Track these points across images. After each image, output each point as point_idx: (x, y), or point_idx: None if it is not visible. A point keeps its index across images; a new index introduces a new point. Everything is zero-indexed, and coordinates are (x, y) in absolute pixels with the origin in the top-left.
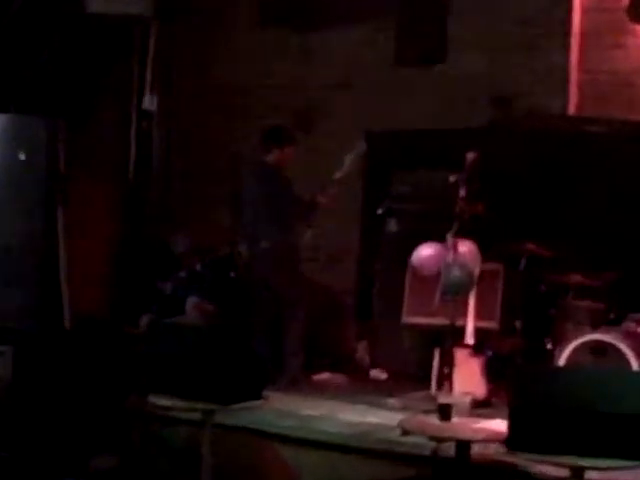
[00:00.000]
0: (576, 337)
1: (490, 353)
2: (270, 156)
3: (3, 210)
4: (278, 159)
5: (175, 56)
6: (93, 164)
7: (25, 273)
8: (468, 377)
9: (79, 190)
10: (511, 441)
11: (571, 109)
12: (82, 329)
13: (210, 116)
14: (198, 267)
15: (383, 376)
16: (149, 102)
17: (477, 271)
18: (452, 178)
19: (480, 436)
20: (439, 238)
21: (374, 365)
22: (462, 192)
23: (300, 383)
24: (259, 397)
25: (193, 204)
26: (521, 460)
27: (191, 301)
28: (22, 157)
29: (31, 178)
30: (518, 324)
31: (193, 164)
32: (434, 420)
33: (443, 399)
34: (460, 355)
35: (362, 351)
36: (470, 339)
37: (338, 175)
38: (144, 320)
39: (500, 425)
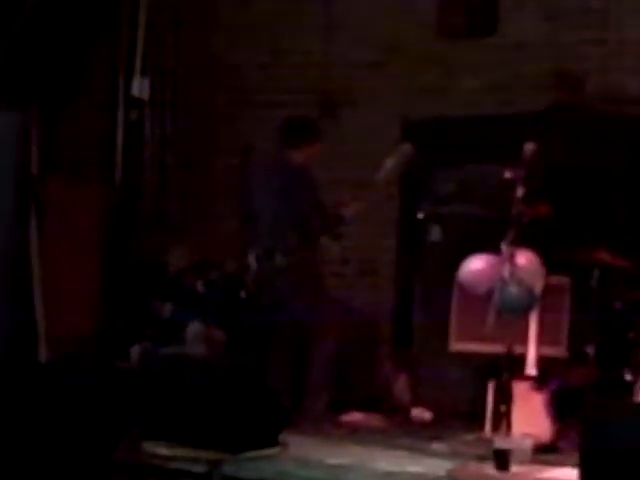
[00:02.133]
0: None
1: (556, 386)
2: (298, 154)
3: None
4: (306, 157)
5: (171, 30)
6: (72, 164)
7: None
8: (530, 416)
9: (56, 196)
10: None
11: None
12: (61, 363)
13: (213, 103)
14: (200, 286)
15: (427, 416)
16: (139, 87)
17: (539, 287)
18: (507, 174)
19: None
20: (492, 248)
21: (416, 403)
22: (520, 191)
23: (326, 425)
24: (276, 443)
25: (193, 211)
26: None
27: (193, 327)
28: None
29: None
30: (590, 350)
31: (193, 162)
32: (489, 469)
33: (500, 443)
34: (520, 389)
35: (401, 386)
36: (532, 369)
37: (377, 179)
38: (136, 350)
39: (569, 475)
